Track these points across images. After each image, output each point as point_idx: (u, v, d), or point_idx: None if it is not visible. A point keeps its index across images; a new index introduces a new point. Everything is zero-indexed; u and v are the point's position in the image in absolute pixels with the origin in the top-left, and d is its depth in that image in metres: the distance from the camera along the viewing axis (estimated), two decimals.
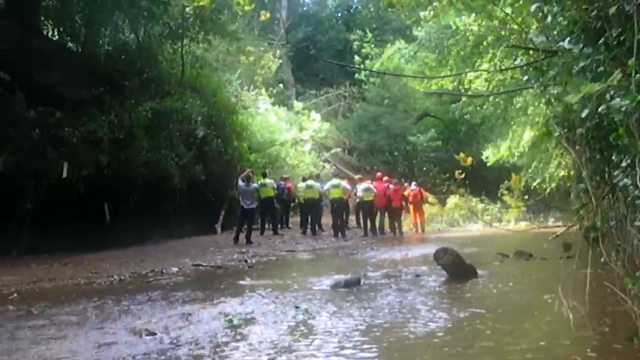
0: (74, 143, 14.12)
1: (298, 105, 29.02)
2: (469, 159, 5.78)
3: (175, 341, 5.28)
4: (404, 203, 19.77)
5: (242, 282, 9.08)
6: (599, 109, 4.46)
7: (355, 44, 37.24)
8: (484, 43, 15.27)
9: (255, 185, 16.22)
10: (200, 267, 11.17)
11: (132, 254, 13.20)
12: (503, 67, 14.46)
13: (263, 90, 27.04)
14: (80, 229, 13.79)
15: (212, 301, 7.21)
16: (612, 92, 4.42)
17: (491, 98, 17.86)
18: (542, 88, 7.73)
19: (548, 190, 19.46)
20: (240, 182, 15.83)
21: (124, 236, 14.67)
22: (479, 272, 8.72)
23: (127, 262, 11.76)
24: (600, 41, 4.48)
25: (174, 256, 12.87)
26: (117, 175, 14.70)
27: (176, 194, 16.59)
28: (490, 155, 21.55)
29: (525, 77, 10.58)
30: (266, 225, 18.13)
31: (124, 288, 8.79)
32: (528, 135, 18.09)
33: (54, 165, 13.77)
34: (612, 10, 4.13)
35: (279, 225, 20.23)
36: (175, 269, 10.77)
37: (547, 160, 17.82)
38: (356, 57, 35.99)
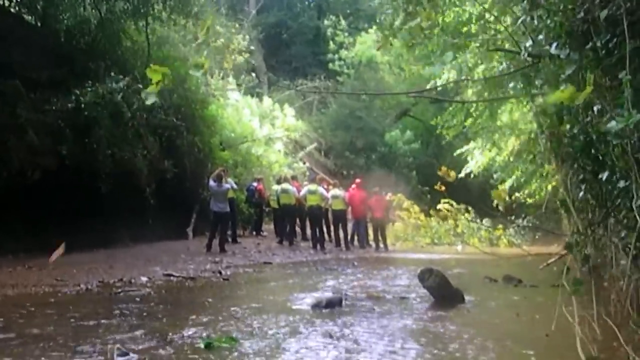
0: (33, 129, 13.71)
1: (269, 101, 28.51)
2: (452, 173, 5.67)
3: None
4: (389, 214, 19.82)
5: (218, 299, 9.06)
6: (586, 123, 4.45)
7: (329, 31, 37.18)
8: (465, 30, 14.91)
9: (227, 185, 15.73)
10: (172, 278, 11.11)
11: (101, 258, 13.08)
12: (486, 68, 14.35)
13: (231, 79, 26.36)
14: (46, 228, 13.56)
15: (187, 319, 7.15)
16: (600, 106, 4.40)
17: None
18: (529, 97, 7.68)
19: (532, 201, 19.55)
20: (212, 182, 15.45)
21: (91, 236, 14.43)
22: (466, 297, 8.75)
23: (95, 268, 11.65)
24: (588, 46, 4.43)
25: (143, 263, 12.81)
26: (80, 167, 14.25)
27: (145, 192, 16.15)
28: (471, 166, 21.41)
29: (511, 84, 10.56)
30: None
31: (91, 299, 8.73)
32: (513, 144, 18.02)
33: (13, 153, 13.37)
34: (604, 14, 4.10)
35: (253, 233, 20.12)
36: (145, 279, 10.72)
37: (533, 172, 17.86)
38: (330, 45, 36.00)
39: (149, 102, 3.51)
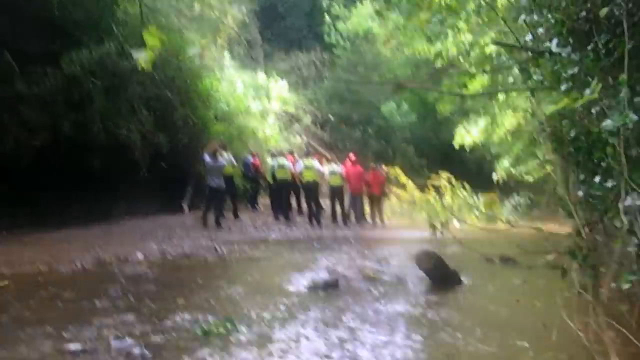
0: (25, 104, 13.62)
1: (264, 75, 28.31)
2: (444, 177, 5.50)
3: (146, 349, 5.25)
4: (386, 190, 19.89)
5: (214, 278, 9.09)
6: (585, 125, 4.37)
7: (324, 3, 36.25)
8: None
9: (223, 161, 15.83)
10: (168, 255, 11.15)
11: (96, 233, 13.10)
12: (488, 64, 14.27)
13: (226, 53, 26.12)
14: (40, 203, 13.57)
15: (183, 301, 7.18)
16: (600, 107, 4.33)
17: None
18: (529, 91, 7.61)
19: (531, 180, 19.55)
20: (207, 157, 15.48)
21: (86, 211, 14.43)
22: (463, 278, 8.78)
23: (91, 245, 11.61)
24: (589, 47, 4.34)
25: (139, 239, 12.83)
26: (74, 142, 14.21)
27: (139, 165, 16.13)
28: (465, 138, 21.26)
29: (510, 79, 10.54)
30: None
31: (87, 279, 8.75)
32: (510, 122, 17.97)
33: (8, 130, 13.32)
34: (604, 11, 4.01)
35: (249, 207, 20.10)
36: (140, 256, 10.71)
37: (530, 152, 17.82)
38: (326, 18, 35.38)
39: (141, 62, 3.38)
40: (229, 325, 5.89)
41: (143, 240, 12.68)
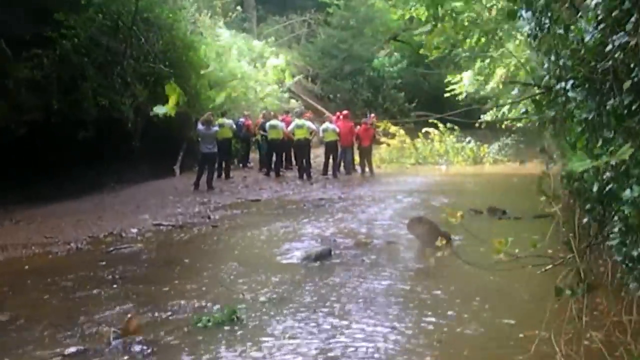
0: (18, 86, 13.46)
1: (259, 43, 28.27)
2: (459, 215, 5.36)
3: (146, 345, 5.30)
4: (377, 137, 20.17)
5: (208, 255, 9.10)
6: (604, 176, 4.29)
7: None
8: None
9: (215, 128, 16.08)
10: (161, 227, 11.17)
11: (89, 207, 13.00)
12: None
13: (220, 18, 25.98)
14: (32, 178, 13.45)
15: (179, 285, 7.23)
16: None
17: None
18: (540, 123, 7.51)
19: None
20: (200, 126, 15.78)
21: (78, 184, 14.34)
22: (453, 237, 8.71)
23: (84, 220, 11.59)
24: (610, 102, 4.21)
25: (132, 210, 12.80)
26: (67, 119, 14.12)
27: (131, 136, 16.18)
28: (456, 87, 21.18)
29: (523, 110, 10.47)
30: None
31: (82, 261, 8.74)
32: (501, 73, 17.91)
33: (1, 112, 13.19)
34: (627, 84, 3.91)
35: (240, 165, 20.27)
36: (134, 231, 10.75)
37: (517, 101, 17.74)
38: None
39: (157, 112, 3.41)
40: (226, 312, 5.92)
41: (136, 212, 12.63)
